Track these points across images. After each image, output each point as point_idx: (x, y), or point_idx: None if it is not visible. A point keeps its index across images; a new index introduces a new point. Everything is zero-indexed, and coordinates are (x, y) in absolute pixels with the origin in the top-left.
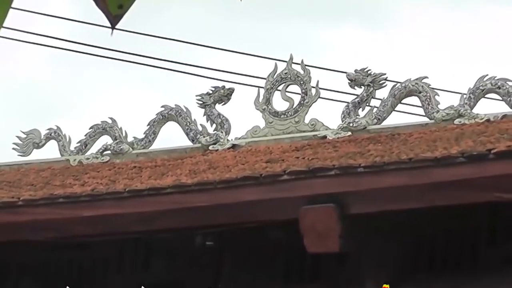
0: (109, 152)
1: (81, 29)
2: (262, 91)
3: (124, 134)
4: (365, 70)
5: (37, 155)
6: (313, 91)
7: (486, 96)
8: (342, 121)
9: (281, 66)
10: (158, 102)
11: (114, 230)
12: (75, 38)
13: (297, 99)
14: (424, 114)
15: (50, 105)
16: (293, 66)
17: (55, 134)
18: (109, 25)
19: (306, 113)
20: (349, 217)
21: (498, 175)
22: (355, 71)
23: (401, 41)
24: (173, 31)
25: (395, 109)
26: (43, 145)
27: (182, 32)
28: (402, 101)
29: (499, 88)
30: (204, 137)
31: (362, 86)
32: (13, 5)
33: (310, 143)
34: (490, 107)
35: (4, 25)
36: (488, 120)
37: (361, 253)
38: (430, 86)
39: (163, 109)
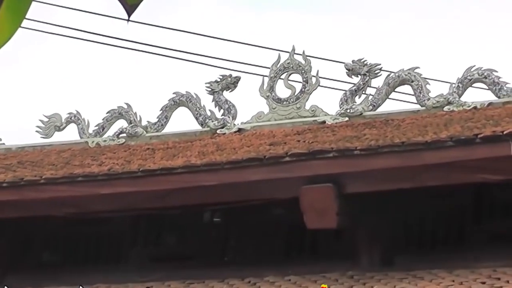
0: (124, 135)
1: (101, 22)
2: (266, 79)
3: (138, 118)
4: (362, 61)
5: (58, 137)
6: (313, 79)
7: (473, 85)
8: (340, 108)
9: (284, 56)
10: (169, 89)
11: (128, 206)
12: (96, 30)
13: (298, 87)
14: (416, 101)
15: (70, 91)
16: (295, 56)
17: (75, 118)
18: (125, 16)
19: (307, 100)
20: (345, 196)
21: (483, 158)
22: (353, 61)
23: (396, 32)
24: (185, 23)
25: (389, 96)
26: (64, 128)
27: (193, 23)
28: (396, 90)
29: (485, 78)
30: (212, 121)
31: (358, 75)
32: None
33: (310, 127)
34: (477, 95)
35: (28, 16)
36: (475, 108)
37: (356, 229)
38: (421, 76)
39: (174, 95)
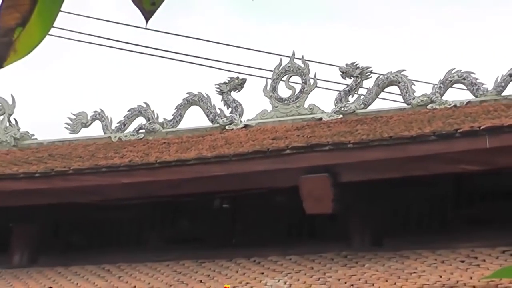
0: (143, 130)
1: (121, 30)
2: (269, 81)
3: (156, 116)
4: (354, 64)
5: (84, 133)
6: (311, 81)
7: (453, 86)
8: (335, 106)
9: (285, 61)
10: (183, 89)
11: (147, 194)
12: (117, 37)
13: (298, 87)
14: (402, 100)
15: (95, 92)
16: (295, 60)
17: (99, 116)
18: (143, 24)
19: (306, 99)
20: (340, 184)
21: (463, 150)
22: (346, 65)
23: (385, 38)
24: (196, 30)
25: (379, 96)
26: (90, 124)
27: (203, 30)
28: (385, 90)
29: (464, 79)
30: (221, 118)
31: (351, 77)
32: (62, 9)
33: (309, 123)
34: (456, 95)
35: (55, 25)
36: (455, 106)
37: (350, 214)
38: (407, 77)
39: (187, 95)
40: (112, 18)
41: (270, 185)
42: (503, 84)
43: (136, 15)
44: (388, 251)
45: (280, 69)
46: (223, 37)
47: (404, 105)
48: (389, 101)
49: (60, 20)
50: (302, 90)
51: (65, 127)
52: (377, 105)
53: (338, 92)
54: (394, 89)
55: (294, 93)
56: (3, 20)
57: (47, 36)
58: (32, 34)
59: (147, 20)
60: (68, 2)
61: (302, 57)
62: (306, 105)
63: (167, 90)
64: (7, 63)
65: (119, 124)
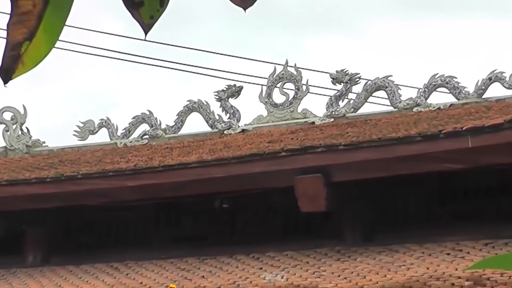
0: (147, 136)
1: (124, 42)
2: (264, 88)
3: (158, 123)
4: (344, 71)
5: (92, 139)
6: (304, 87)
7: (437, 89)
8: (327, 110)
9: (279, 69)
10: (184, 97)
11: (151, 196)
12: (120, 49)
13: (291, 94)
14: (389, 104)
15: (101, 101)
16: (289, 68)
17: (106, 123)
18: (143, 36)
19: (299, 104)
20: (332, 184)
21: (446, 150)
22: (336, 71)
23: (372, 46)
24: (195, 41)
25: (367, 100)
26: (97, 131)
27: (201, 41)
28: (373, 94)
29: (447, 83)
30: (220, 124)
31: (341, 83)
32: (68, 23)
33: (302, 127)
34: (440, 98)
35: (61, 38)
36: (439, 108)
37: (342, 212)
38: (394, 82)
39: (188, 102)
40: (116, 32)
41: (267, 186)
42: (483, 87)
43: (138, 28)
44: (378, 246)
45: (274, 76)
46: (220, 47)
47: (391, 108)
48: (377, 105)
49: (67, 34)
50: (296, 96)
51: (74, 134)
52: (366, 109)
53: (329, 97)
54: (382, 93)
55: (288, 99)
56: (11, 35)
57: (54, 49)
58: (39, 48)
59: (146, 33)
60: (74, 17)
61: (295, 65)
62: (299, 110)
63: (169, 98)
64: (16, 75)
65: (124, 130)
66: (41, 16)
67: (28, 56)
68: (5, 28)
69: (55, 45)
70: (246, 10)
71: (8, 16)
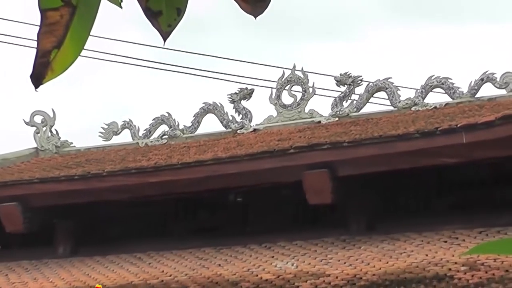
0: (166, 136)
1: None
2: (274, 90)
3: (177, 123)
4: (347, 74)
5: (115, 140)
6: (311, 89)
7: (433, 90)
8: (332, 110)
9: (287, 72)
10: (200, 100)
11: (171, 191)
12: (141, 57)
13: (299, 95)
14: (389, 104)
15: (123, 104)
16: (296, 72)
17: (128, 125)
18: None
19: (306, 105)
20: (338, 178)
21: (442, 145)
22: (340, 74)
23: (372, 51)
24: (209, 48)
25: (369, 101)
26: (120, 132)
27: (215, 48)
28: (374, 95)
29: (442, 84)
30: (233, 124)
31: (345, 85)
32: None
33: (309, 126)
34: (436, 98)
35: (87, 47)
36: (435, 107)
37: (347, 204)
38: (393, 84)
39: (204, 105)
40: (136, 40)
41: (277, 181)
42: (476, 87)
43: (157, 37)
44: (380, 235)
45: (283, 80)
46: (232, 54)
47: (391, 108)
48: (378, 105)
49: (92, 43)
50: (303, 97)
51: (99, 135)
52: (368, 108)
53: (334, 98)
54: (382, 94)
55: (296, 100)
56: (42, 44)
57: (80, 57)
58: (66, 55)
59: (164, 40)
60: (98, 27)
61: (302, 69)
62: (306, 110)
63: (186, 101)
64: (45, 81)
65: (145, 131)
66: (68, 26)
67: (56, 63)
68: (36, 37)
69: (81, 53)
70: (257, 18)
71: (38, 26)
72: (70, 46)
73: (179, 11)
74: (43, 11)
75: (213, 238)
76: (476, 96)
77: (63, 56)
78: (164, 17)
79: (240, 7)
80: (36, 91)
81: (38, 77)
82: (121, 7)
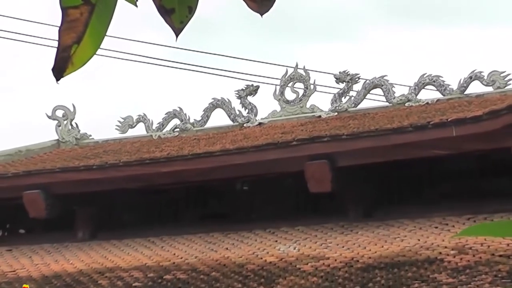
0: (178, 129)
1: (157, 49)
2: (277, 87)
3: (188, 117)
4: (346, 72)
5: (131, 132)
6: (312, 86)
7: (425, 87)
8: (331, 106)
9: (290, 70)
10: (209, 96)
11: (182, 180)
12: (155, 56)
13: (301, 92)
14: (385, 100)
15: (139, 100)
16: (298, 70)
17: (143, 118)
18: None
19: (307, 101)
20: (337, 168)
21: (434, 138)
22: (339, 72)
23: (369, 51)
24: (217, 47)
25: (366, 97)
26: (135, 126)
27: (223, 47)
28: (371, 92)
29: (434, 81)
30: (240, 118)
31: (344, 82)
32: (112, 34)
33: (310, 120)
34: (428, 94)
35: (105, 47)
36: (427, 103)
37: (345, 192)
38: (389, 81)
39: (213, 100)
40: (150, 41)
41: (281, 171)
42: (465, 85)
43: (170, 37)
44: (376, 221)
45: (286, 77)
46: (239, 53)
47: (387, 103)
48: (375, 100)
49: (111, 43)
50: (304, 93)
51: (116, 128)
52: (365, 104)
53: (334, 94)
54: (378, 91)
55: (298, 96)
56: (63, 39)
57: (99, 56)
58: (86, 50)
59: (177, 36)
60: (116, 28)
61: (304, 67)
62: (308, 106)
63: (196, 96)
64: (66, 74)
65: (158, 124)
66: (87, 23)
67: (76, 57)
68: (57, 34)
69: (99, 48)
70: (263, 16)
71: (59, 23)
72: (89, 41)
73: (191, 9)
74: (64, 9)
75: (221, 224)
76: (465, 93)
77: (82, 51)
78: (177, 14)
79: (247, 5)
80: (57, 83)
81: (59, 70)
82: (136, 6)
